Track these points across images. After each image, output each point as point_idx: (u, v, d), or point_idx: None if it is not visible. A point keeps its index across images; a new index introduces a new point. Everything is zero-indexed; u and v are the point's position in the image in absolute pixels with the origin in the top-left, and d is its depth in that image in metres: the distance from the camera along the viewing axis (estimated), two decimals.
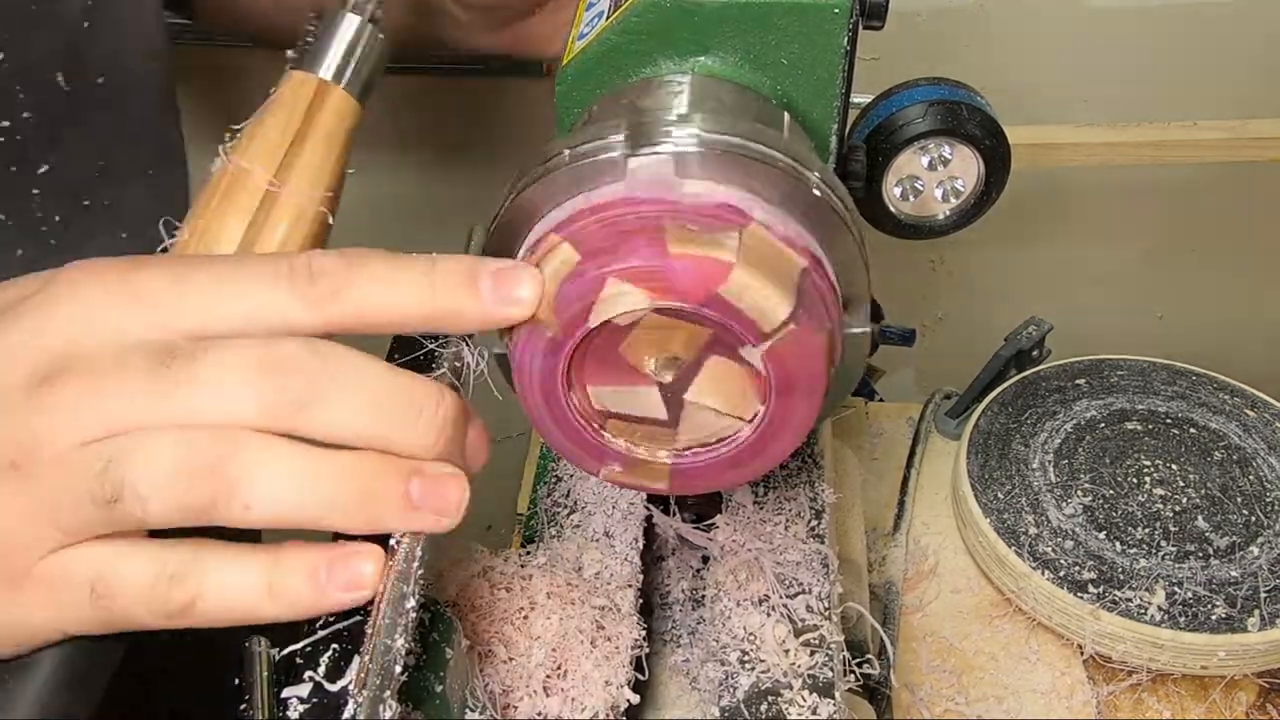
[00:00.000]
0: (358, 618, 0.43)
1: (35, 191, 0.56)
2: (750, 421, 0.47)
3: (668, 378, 0.46)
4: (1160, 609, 0.73)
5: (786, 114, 0.54)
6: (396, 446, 0.42)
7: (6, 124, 0.54)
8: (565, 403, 0.47)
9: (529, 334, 0.44)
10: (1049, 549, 0.77)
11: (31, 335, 0.41)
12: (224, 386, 0.40)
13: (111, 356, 0.40)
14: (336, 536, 0.43)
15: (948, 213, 0.72)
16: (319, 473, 0.41)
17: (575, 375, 0.46)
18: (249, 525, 0.41)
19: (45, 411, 0.39)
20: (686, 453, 0.48)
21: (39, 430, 0.39)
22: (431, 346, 0.48)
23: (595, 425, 0.48)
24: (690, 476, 0.49)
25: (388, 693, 0.40)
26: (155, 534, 0.42)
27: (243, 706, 0.41)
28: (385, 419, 0.41)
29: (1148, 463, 0.83)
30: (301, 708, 0.41)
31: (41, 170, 0.56)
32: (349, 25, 0.51)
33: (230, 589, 0.41)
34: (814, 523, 0.64)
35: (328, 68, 0.51)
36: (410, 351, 0.48)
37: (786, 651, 0.58)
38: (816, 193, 0.45)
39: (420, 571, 0.43)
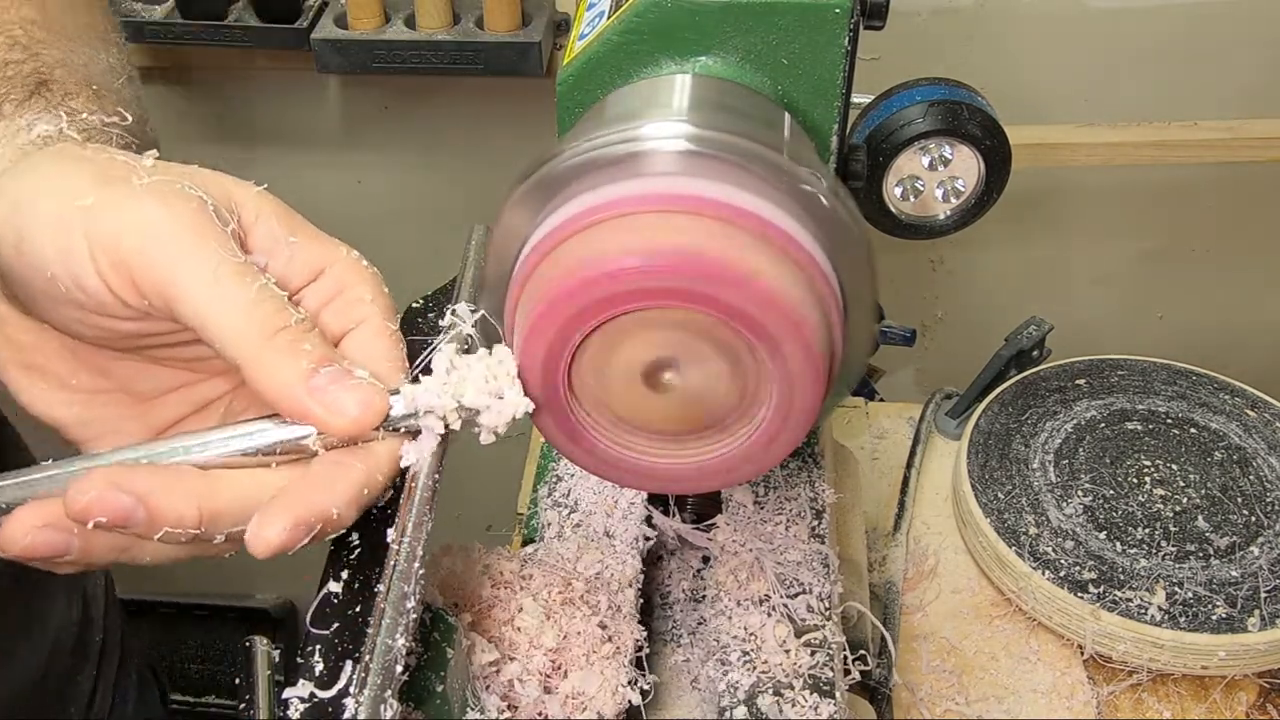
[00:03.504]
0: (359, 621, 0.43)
1: None
2: (751, 421, 0.47)
3: (669, 378, 0.46)
4: (1160, 609, 0.73)
5: (788, 114, 0.54)
6: None
7: None
8: (566, 402, 0.47)
9: (531, 333, 0.44)
10: (1049, 549, 0.77)
11: None
12: None
13: None
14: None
15: (948, 213, 0.72)
16: None
17: (576, 374, 0.46)
18: None
19: None
20: (687, 452, 0.48)
21: None
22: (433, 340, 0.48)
23: (596, 424, 0.48)
24: (691, 475, 0.49)
25: (389, 692, 0.40)
26: None
27: (242, 706, 0.41)
28: None
29: (1148, 463, 0.83)
30: (302, 707, 0.41)
31: None
32: None
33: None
34: (814, 523, 0.64)
35: None
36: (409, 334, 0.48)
37: (787, 651, 0.58)
38: (818, 193, 0.45)
39: (421, 572, 0.43)
